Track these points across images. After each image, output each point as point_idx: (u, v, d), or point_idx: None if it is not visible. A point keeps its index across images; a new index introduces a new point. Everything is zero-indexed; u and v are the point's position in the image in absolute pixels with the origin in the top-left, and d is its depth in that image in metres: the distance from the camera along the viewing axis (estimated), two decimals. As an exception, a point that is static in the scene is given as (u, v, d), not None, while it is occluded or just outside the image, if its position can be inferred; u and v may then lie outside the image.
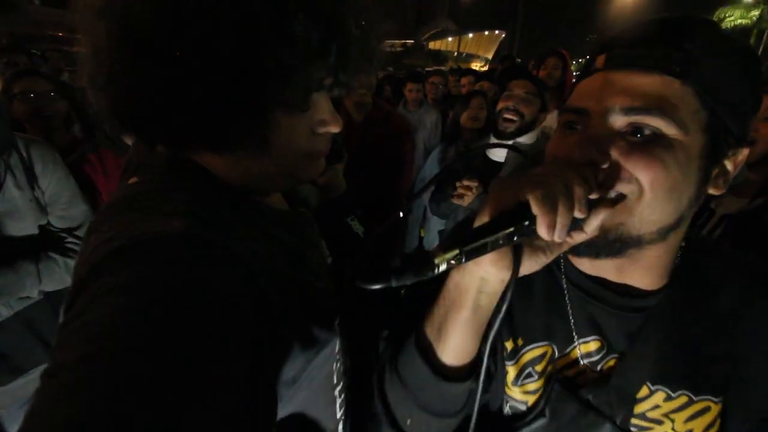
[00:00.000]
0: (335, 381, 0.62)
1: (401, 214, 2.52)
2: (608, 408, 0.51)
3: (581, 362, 0.55)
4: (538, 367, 0.56)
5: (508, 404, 0.58)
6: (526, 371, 0.57)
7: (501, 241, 0.40)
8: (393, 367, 0.54)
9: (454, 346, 0.49)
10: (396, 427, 0.52)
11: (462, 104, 2.26)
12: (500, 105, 1.64)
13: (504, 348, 0.58)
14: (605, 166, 0.45)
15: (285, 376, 0.49)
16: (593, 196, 0.43)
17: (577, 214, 0.41)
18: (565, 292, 0.57)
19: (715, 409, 0.51)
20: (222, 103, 0.42)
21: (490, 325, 0.47)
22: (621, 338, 0.53)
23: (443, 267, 0.38)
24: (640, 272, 0.53)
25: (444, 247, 0.38)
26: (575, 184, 0.41)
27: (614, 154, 0.45)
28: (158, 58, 0.40)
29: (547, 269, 0.55)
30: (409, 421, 0.52)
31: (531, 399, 0.56)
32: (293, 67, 0.43)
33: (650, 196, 0.45)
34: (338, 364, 0.62)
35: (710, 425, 0.51)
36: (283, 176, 0.53)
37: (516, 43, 35.35)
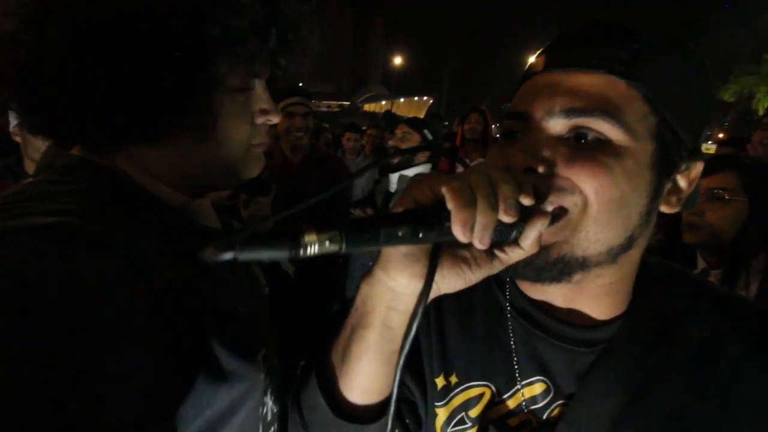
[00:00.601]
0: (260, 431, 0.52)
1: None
2: None
3: (524, 409, 0.46)
4: (473, 412, 0.47)
5: None
6: (459, 416, 0.48)
7: (401, 234, 0.32)
8: (294, 404, 0.47)
9: (360, 377, 0.41)
10: None
11: (461, 119, 2.91)
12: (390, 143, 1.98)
13: (434, 385, 0.49)
14: (541, 170, 0.39)
15: (184, 413, 0.40)
16: (527, 202, 0.36)
17: (503, 217, 0.34)
18: (509, 322, 0.48)
19: None
20: (162, 78, 0.40)
21: (401, 349, 0.39)
22: (570, 379, 0.45)
23: (312, 249, 0.29)
24: (591, 299, 0.46)
25: (322, 226, 0.30)
26: (501, 182, 0.35)
27: (555, 160, 0.40)
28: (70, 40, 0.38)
29: (491, 295, 0.49)
30: None
31: None
32: (241, 36, 0.41)
33: (596, 209, 0.39)
34: (265, 410, 0.53)
35: None
36: (222, 170, 0.50)
37: (443, 105, 39.39)
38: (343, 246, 0.30)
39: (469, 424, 0.48)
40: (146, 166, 0.47)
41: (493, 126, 3.38)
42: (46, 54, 0.39)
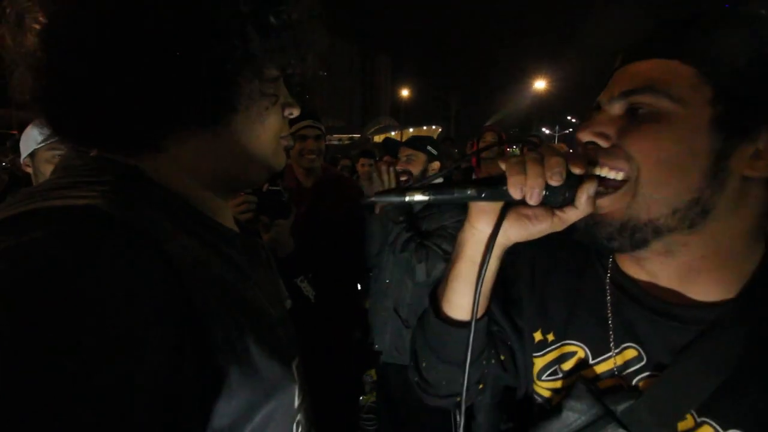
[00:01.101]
0: None
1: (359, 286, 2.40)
2: (639, 428, 0.44)
3: (615, 372, 0.51)
4: (565, 366, 0.55)
5: (535, 396, 0.58)
6: (553, 368, 0.56)
7: (469, 193, 0.47)
8: (418, 320, 0.62)
9: (455, 296, 0.54)
10: (418, 370, 0.60)
11: (475, 140, 3.06)
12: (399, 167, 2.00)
13: (532, 338, 0.58)
14: (603, 144, 0.47)
15: (218, 422, 0.37)
16: (577, 171, 0.45)
17: (551, 181, 0.44)
18: (608, 295, 0.53)
19: None
20: (216, 58, 0.39)
21: (478, 275, 0.51)
22: (664, 352, 0.47)
23: (413, 197, 0.47)
24: (687, 276, 0.47)
25: (420, 188, 0.47)
26: (549, 156, 0.44)
27: (612, 134, 0.47)
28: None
29: (593, 271, 0.55)
30: (424, 364, 0.59)
31: (555, 398, 0.54)
32: (278, 27, 0.42)
33: (647, 172, 0.44)
34: (298, 427, 0.48)
35: None
36: (257, 161, 0.49)
37: (452, 132, 40.46)
38: (431, 197, 0.46)
39: (561, 375, 0.55)
40: (183, 162, 0.44)
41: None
42: (88, 41, 0.38)
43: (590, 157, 0.46)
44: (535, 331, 0.58)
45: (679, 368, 0.44)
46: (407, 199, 0.46)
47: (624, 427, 0.45)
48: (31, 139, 1.42)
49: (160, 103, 0.40)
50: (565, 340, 0.55)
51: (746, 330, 0.43)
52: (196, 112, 0.42)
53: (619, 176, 0.46)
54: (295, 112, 0.53)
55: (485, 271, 0.50)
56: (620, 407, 0.46)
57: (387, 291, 1.92)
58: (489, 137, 3.10)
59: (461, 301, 0.54)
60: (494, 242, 0.49)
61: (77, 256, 0.29)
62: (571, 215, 0.46)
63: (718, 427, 0.42)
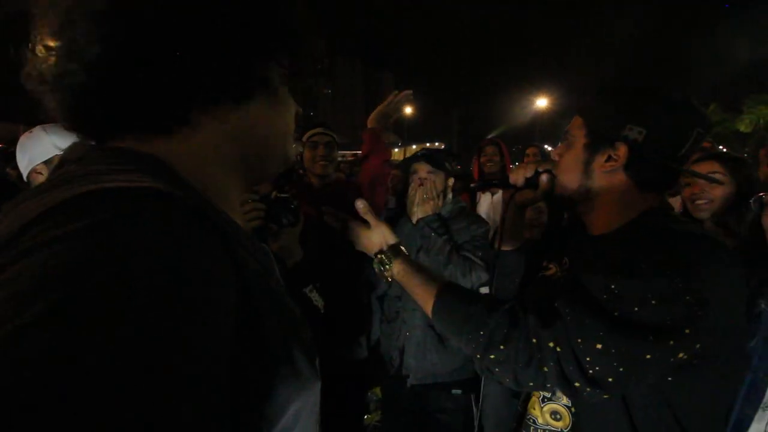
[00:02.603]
0: None
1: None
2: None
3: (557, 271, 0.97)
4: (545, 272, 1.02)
5: None
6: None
7: (495, 182, 1.15)
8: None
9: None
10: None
11: (477, 151, 3.15)
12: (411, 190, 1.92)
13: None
14: (555, 157, 0.92)
15: (265, 411, 0.36)
16: (541, 169, 0.93)
17: (528, 174, 0.94)
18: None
19: None
20: (249, 37, 0.41)
21: (502, 222, 1.04)
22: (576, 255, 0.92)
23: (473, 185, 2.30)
24: (594, 221, 0.87)
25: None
26: (528, 164, 0.95)
27: (557, 152, 0.91)
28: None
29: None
30: (494, 284, 1.09)
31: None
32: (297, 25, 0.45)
33: (560, 173, 0.89)
34: (317, 426, 0.48)
35: None
36: (275, 151, 0.50)
37: (454, 148, 40.62)
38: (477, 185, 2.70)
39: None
40: (203, 147, 0.43)
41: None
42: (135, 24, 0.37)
43: (546, 162, 0.94)
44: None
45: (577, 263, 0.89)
46: (472, 185, 0.93)
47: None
48: (48, 144, 1.40)
49: (191, 77, 0.39)
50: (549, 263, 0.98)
51: (604, 248, 0.79)
52: (232, 84, 0.42)
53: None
54: (298, 111, 0.55)
55: (505, 215, 1.02)
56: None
57: (414, 306, 1.77)
58: (489, 150, 3.10)
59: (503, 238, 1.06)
60: (510, 205, 1.03)
61: (149, 236, 0.28)
62: (539, 191, 0.93)
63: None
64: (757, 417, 0.95)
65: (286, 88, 0.50)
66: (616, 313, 0.64)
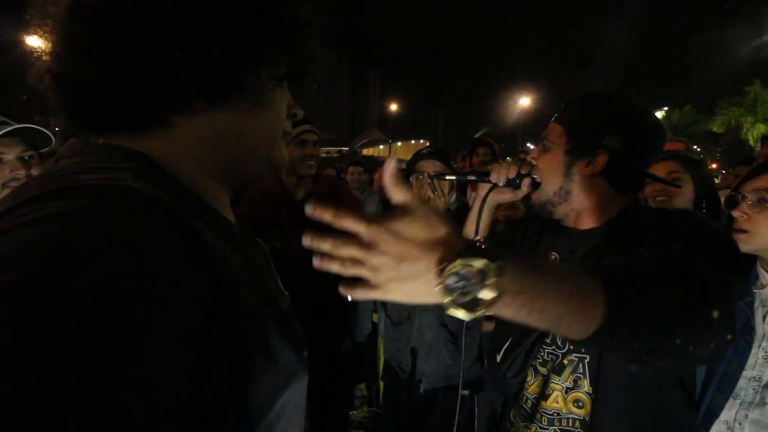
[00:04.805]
0: None
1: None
2: None
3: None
4: None
5: None
6: None
7: (474, 177, 1.10)
8: None
9: (467, 226, 1.10)
10: None
11: (467, 152, 3.26)
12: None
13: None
14: (532, 161, 1.00)
15: (247, 408, 0.36)
16: (524, 172, 0.99)
17: (509, 175, 1.00)
18: (545, 231, 1.06)
19: None
20: (238, 34, 0.40)
21: (478, 215, 1.06)
22: (565, 251, 0.97)
23: (449, 177, 1.34)
24: (578, 219, 0.95)
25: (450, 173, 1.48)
26: (511, 164, 1.01)
27: (535, 156, 0.98)
28: None
29: (539, 224, 1.08)
30: None
31: None
32: (291, 23, 0.44)
33: (540, 174, 0.96)
34: (304, 419, 0.49)
35: None
36: (261, 155, 0.49)
37: (440, 144, 40.77)
38: (459, 177, 1.32)
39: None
40: (190, 146, 0.43)
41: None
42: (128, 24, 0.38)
43: (527, 166, 1.00)
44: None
45: (568, 256, 0.94)
46: (448, 177, 1.31)
47: None
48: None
49: (172, 75, 0.39)
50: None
51: (597, 240, 0.90)
52: (205, 86, 0.41)
53: (537, 179, 0.98)
54: (299, 114, 0.54)
55: (482, 210, 1.05)
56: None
57: (426, 306, 1.67)
58: (482, 151, 3.15)
59: (469, 228, 1.06)
60: (485, 199, 1.04)
61: (99, 228, 0.29)
62: (519, 193, 1.00)
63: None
64: (727, 405, 0.99)
65: (278, 89, 0.48)
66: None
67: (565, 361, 0.90)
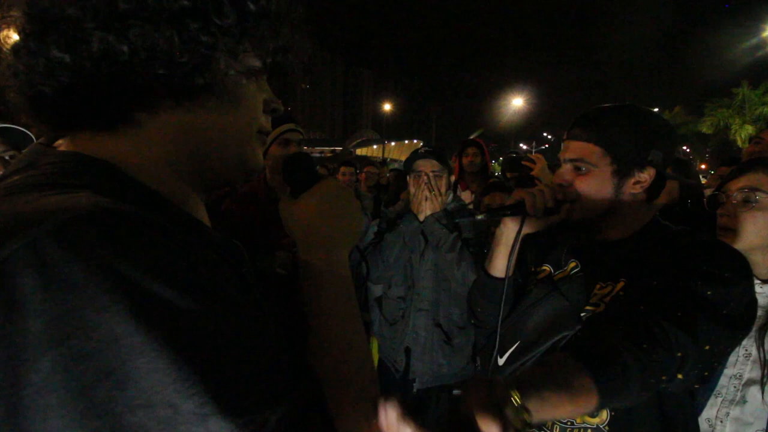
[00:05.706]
0: None
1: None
2: (571, 295, 0.94)
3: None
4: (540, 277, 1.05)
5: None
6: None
7: (508, 212, 0.95)
8: (474, 282, 1.15)
9: (496, 263, 1.02)
10: (474, 313, 1.12)
11: (459, 151, 3.21)
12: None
13: (532, 273, 1.07)
14: (564, 183, 0.94)
15: None
16: (560, 197, 0.93)
17: (549, 204, 0.92)
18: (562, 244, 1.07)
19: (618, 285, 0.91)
20: (203, 32, 0.39)
21: (511, 252, 0.98)
22: (590, 262, 0.97)
23: (480, 217, 1.13)
24: (608, 230, 0.97)
25: (482, 212, 1.34)
26: (545, 191, 0.93)
27: (570, 181, 0.94)
28: None
29: (561, 239, 1.06)
30: (479, 309, 1.09)
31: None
32: (260, 12, 0.42)
33: (584, 198, 0.93)
34: None
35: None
36: (234, 155, 0.47)
37: (433, 143, 40.86)
38: (483, 216, 1.11)
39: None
40: (156, 146, 0.42)
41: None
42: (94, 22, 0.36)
43: (564, 191, 0.94)
44: (539, 267, 1.07)
45: (592, 265, 0.96)
46: (478, 218, 1.16)
47: (563, 294, 0.94)
48: None
49: (134, 72, 0.38)
50: (541, 266, 1.05)
51: (626, 251, 0.93)
52: (169, 83, 0.39)
53: (575, 204, 0.94)
54: (279, 109, 0.52)
55: (517, 246, 0.97)
56: (562, 285, 0.96)
57: (420, 306, 1.74)
58: (471, 151, 3.16)
59: (500, 265, 1.00)
60: (520, 234, 0.95)
61: (59, 257, 0.29)
62: (555, 219, 0.95)
63: (613, 284, 0.90)
64: (709, 404, 1.01)
65: (252, 85, 0.46)
66: (714, 316, 0.75)
67: None
